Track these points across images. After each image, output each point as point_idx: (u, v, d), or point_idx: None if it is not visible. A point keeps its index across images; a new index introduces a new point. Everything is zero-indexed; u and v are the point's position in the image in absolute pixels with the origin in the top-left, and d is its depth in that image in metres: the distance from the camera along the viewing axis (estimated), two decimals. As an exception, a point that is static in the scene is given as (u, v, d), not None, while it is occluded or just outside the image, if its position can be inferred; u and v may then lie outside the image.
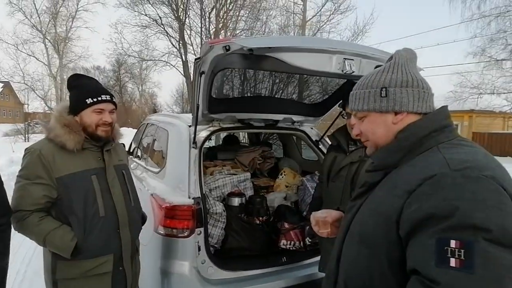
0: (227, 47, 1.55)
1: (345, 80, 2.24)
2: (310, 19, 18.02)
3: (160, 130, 2.77)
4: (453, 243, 0.65)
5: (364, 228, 0.85)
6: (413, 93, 0.85)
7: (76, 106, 1.50)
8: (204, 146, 2.36)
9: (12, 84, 25.98)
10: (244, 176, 2.66)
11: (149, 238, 1.99)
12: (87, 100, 1.47)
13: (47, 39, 23.45)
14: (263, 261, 2.15)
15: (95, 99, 1.47)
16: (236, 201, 2.38)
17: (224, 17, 17.68)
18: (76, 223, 1.42)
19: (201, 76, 1.83)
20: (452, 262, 0.64)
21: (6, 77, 23.01)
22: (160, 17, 17.92)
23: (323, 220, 1.10)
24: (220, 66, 1.91)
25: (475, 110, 17.09)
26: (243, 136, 5.44)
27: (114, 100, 1.55)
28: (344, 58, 1.73)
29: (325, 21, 17.34)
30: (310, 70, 1.75)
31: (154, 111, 23.02)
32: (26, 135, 18.23)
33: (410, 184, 0.75)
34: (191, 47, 18.03)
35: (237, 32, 17.63)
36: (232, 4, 17.57)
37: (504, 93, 13.18)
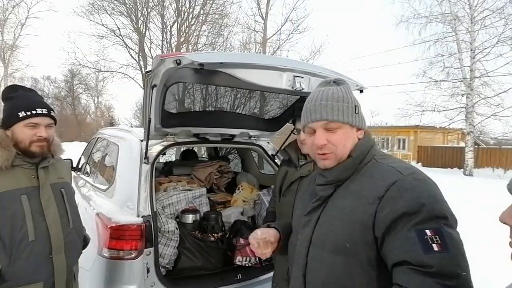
0: (178, 61, 1.54)
1: (298, 97, 2.32)
2: (271, 37, 18.70)
3: (111, 145, 2.62)
4: (428, 232, 0.77)
5: (338, 239, 0.89)
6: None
7: (8, 120, 1.38)
8: (160, 161, 2.27)
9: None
10: (199, 192, 2.59)
11: (92, 262, 1.83)
12: (19, 114, 1.35)
13: (-7, 47, 21.57)
14: (218, 280, 2.08)
15: (28, 113, 1.36)
16: (190, 218, 2.31)
17: (186, 31, 17.66)
18: (2, 247, 1.29)
19: (152, 89, 1.79)
20: (435, 247, 0.76)
21: None
22: (119, 28, 17.41)
23: (264, 240, 1.06)
24: (173, 80, 1.88)
25: (420, 126, 18.70)
26: (204, 150, 5.35)
27: (52, 114, 1.44)
28: (294, 76, 1.80)
29: (285, 39, 18.14)
30: (262, 86, 1.79)
31: (111, 124, 21.88)
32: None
33: (378, 191, 0.85)
34: (151, 60, 17.62)
35: (199, 46, 17.67)
36: (194, 19, 17.64)
37: (443, 110, 14.70)
